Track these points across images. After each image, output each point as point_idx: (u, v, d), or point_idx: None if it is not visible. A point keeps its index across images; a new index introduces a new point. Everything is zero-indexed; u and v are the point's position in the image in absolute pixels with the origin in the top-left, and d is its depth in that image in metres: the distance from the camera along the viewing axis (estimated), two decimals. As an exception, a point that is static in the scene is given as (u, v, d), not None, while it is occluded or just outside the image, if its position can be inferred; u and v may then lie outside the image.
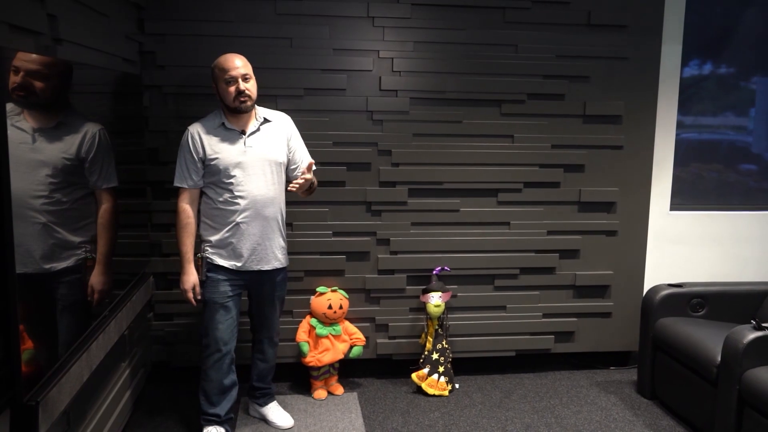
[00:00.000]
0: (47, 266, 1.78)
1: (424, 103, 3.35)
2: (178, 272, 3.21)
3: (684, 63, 3.75)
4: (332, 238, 3.37)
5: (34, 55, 1.66)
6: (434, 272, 3.41)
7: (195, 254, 2.73)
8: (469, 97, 3.37)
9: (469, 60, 3.34)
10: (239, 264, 2.72)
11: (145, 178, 3.16)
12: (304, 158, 2.90)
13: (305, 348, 3.22)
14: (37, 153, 1.67)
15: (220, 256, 2.72)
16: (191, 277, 2.69)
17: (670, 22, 3.59)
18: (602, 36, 3.43)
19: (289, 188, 2.73)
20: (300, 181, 2.67)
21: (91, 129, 2.00)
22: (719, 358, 2.74)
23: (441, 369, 3.35)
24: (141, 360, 3.12)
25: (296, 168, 2.88)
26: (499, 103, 3.40)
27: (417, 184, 3.40)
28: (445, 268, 3.44)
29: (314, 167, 2.78)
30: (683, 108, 3.82)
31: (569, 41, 3.40)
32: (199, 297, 2.71)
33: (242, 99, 2.63)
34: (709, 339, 2.92)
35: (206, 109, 3.14)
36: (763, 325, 2.65)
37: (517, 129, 3.44)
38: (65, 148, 1.85)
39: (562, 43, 3.40)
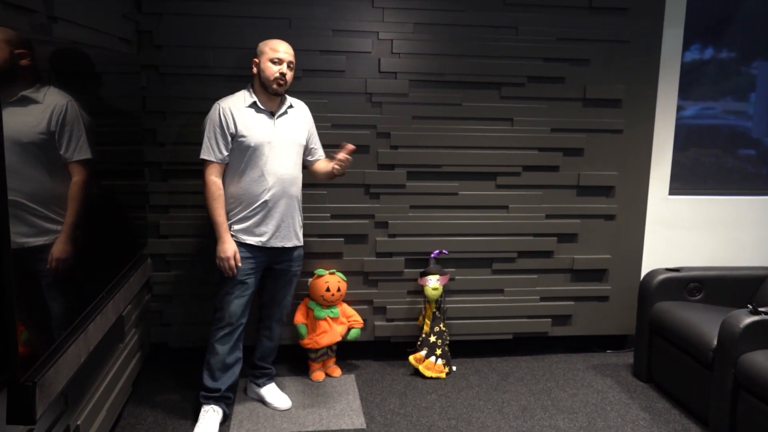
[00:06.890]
0: (28, 242, 1.76)
1: (424, 85, 3.33)
2: (176, 254, 3.26)
3: (685, 47, 3.73)
4: (331, 221, 3.37)
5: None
6: (432, 255, 3.41)
7: None
8: (468, 80, 3.35)
9: (469, 42, 3.31)
10: (264, 240, 2.78)
11: (142, 158, 3.15)
12: (317, 144, 3.01)
13: (303, 330, 3.23)
14: None
15: (245, 232, 2.76)
16: (231, 245, 2.72)
17: (672, 5, 3.56)
18: (603, 19, 3.40)
19: (334, 164, 2.79)
20: (342, 160, 2.76)
21: (60, 101, 1.96)
22: (715, 342, 2.76)
23: (438, 351, 3.36)
24: (139, 341, 3.12)
25: (311, 153, 2.98)
26: (499, 86, 3.38)
27: (416, 167, 3.39)
28: (443, 251, 3.44)
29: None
30: (683, 92, 3.81)
31: (570, 24, 3.37)
32: (239, 264, 2.73)
33: (280, 82, 2.73)
34: (705, 323, 2.93)
35: (204, 89, 3.13)
36: (760, 309, 2.66)
37: (517, 112, 3.42)
38: (35, 122, 1.80)
39: (563, 26, 3.37)
